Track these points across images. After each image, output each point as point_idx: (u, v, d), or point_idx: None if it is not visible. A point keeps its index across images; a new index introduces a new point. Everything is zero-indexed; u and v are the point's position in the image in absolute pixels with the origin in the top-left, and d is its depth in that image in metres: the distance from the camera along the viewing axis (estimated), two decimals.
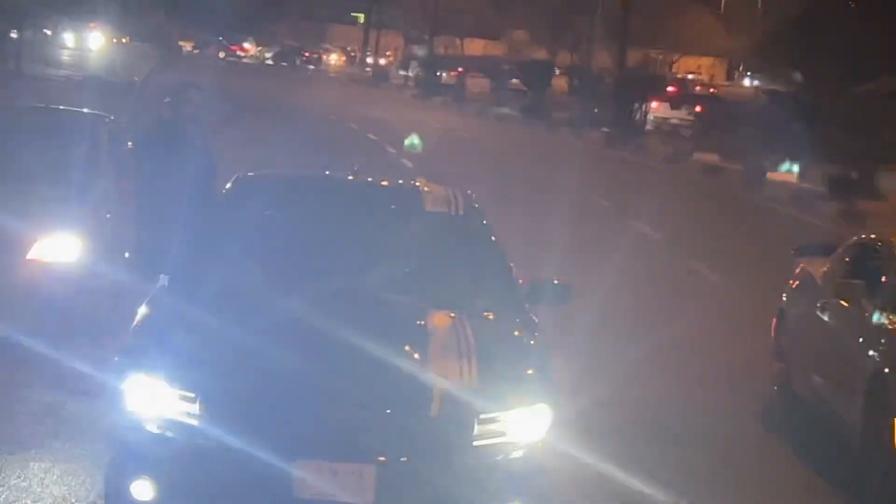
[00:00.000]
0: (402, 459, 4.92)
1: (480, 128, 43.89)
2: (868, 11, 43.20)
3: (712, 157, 34.55)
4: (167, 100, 8.82)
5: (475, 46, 78.57)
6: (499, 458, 5.04)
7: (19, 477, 6.00)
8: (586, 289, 13.00)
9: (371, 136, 32.95)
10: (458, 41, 73.11)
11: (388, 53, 79.89)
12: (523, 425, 5.12)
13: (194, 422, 4.92)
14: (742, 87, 70.68)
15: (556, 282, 6.54)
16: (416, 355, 5.29)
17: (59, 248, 8.17)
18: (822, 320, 8.12)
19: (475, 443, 5.01)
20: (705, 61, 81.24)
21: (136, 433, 5.00)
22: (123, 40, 68.43)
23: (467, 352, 5.37)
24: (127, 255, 7.08)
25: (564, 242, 15.99)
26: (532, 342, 5.86)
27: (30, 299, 8.00)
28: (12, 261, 7.94)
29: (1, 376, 7.76)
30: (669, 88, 51.03)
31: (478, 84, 56.42)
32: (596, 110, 45.44)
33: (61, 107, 13.50)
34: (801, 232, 22.56)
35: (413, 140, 30.43)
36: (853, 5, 44.71)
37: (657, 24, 72.23)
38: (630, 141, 39.26)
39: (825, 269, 8.67)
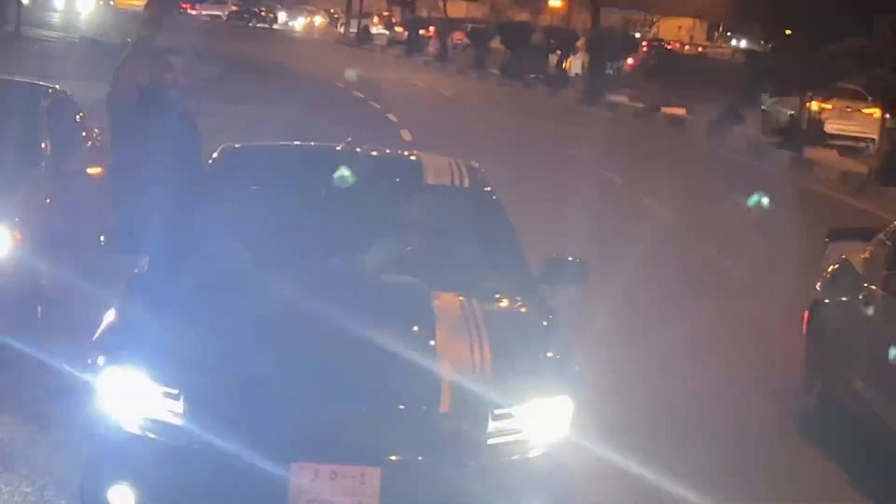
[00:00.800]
0: (407, 460, 4.49)
1: (461, 85, 44.37)
2: None
3: (680, 111, 35.60)
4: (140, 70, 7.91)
5: (457, 8, 78.44)
6: (515, 457, 4.59)
7: None
8: (556, 217, 15.34)
9: (357, 93, 33.57)
10: (440, 3, 74.23)
11: (374, 18, 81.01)
12: (543, 420, 4.65)
13: (178, 421, 4.47)
14: (722, 47, 71.35)
15: (570, 259, 5.93)
16: (422, 344, 4.85)
17: None
18: (867, 316, 7.09)
19: (489, 441, 4.57)
20: (686, 22, 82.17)
21: (113, 434, 4.56)
22: (112, 2, 69.08)
23: (479, 339, 4.92)
24: (102, 238, 6.54)
25: (535, 187, 17.98)
26: (549, 326, 5.42)
27: None
28: None
29: None
30: (644, 48, 51.77)
31: (460, 37, 57.56)
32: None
33: None
34: (746, 175, 25.35)
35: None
36: None
37: None
38: (603, 97, 40.23)
39: (866, 255, 7.77)
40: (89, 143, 8.80)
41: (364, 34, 68.86)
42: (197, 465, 4.42)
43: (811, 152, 27.67)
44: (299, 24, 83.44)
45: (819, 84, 29.78)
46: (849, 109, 30.93)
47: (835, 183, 25.61)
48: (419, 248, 5.78)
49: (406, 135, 25.78)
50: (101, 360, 4.64)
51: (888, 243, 7.44)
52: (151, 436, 4.45)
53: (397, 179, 6.45)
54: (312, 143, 7.38)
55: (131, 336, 4.79)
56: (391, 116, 28.33)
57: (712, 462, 6.79)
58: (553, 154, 24.14)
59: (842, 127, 30.98)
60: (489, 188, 6.36)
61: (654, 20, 78.82)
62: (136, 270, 5.62)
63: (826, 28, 43.09)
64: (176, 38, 22.94)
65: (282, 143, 7.71)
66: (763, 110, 33.10)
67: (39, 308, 7.53)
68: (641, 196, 20.02)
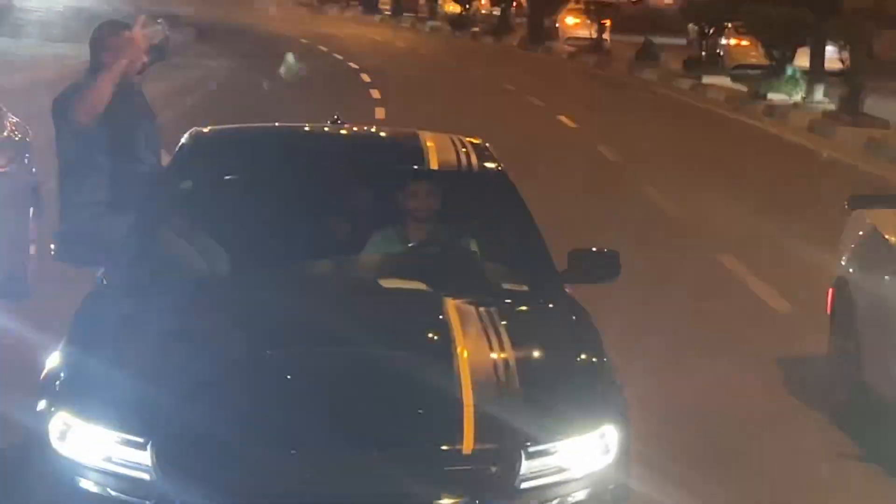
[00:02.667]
0: None
1: (414, 38, 46.73)
2: None
3: (603, 56, 38.99)
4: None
5: None
6: (555, 501, 3.77)
7: None
8: (493, 132, 16.73)
9: (321, 47, 36.21)
10: None
11: None
12: (586, 456, 3.80)
13: (145, 476, 3.63)
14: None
15: (594, 249, 4.98)
16: (437, 371, 3.95)
17: None
18: None
19: (523, 485, 3.72)
20: None
21: (67, 491, 3.73)
22: None
23: (504, 360, 4.11)
24: (52, 247, 5.37)
25: (476, 114, 20.43)
26: (586, 338, 4.46)
27: None
28: None
29: None
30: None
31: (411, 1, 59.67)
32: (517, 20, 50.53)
33: None
34: (647, 97, 29.59)
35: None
36: None
37: None
38: (540, 44, 43.40)
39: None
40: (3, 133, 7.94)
41: None
42: None
43: (709, 79, 31.16)
44: None
45: (718, 20, 33.38)
46: (745, 43, 33.68)
47: (721, 102, 28.66)
48: (427, 246, 4.97)
49: (366, 78, 28.35)
50: (48, 401, 3.84)
51: None
52: (113, 494, 3.68)
53: (394, 165, 5.48)
54: (296, 125, 6.59)
55: (84, 371, 3.96)
56: (352, 64, 31.02)
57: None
58: (490, 89, 27.61)
59: (738, 58, 33.79)
60: (501, 168, 5.36)
61: None
62: (90, 293, 4.72)
63: None
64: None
65: (260, 125, 6.71)
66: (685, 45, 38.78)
67: None
68: (556, 113, 23.49)
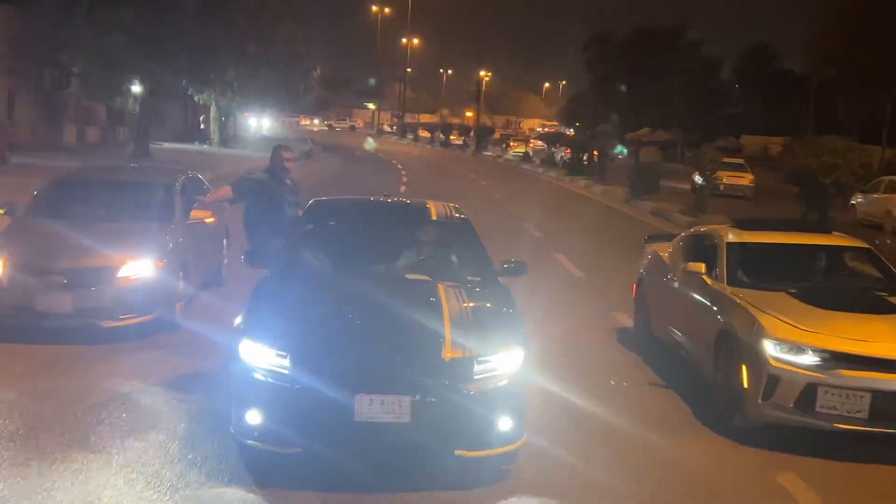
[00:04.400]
0: (427, 390, 4.16)
1: (424, 150, 49.79)
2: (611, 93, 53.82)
3: (527, 161, 38.94)
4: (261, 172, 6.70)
5: (425, 117, 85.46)
6: (490, 386, 4.27)
7: (135, 461, 4.49)
8: (455, 190, 19.75)
9: (377, 154, 39.25)
10: (417, 116, 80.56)
11: (385, 124, 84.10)
12: (507, 363, 4.34)
13: (286, 372, 4.21)
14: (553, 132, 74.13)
15: (513, 262, 5.45)
16: (434, 319, 4.47)
17: (141, 267, 6.61)
18: (674, 288, 6.57)
19: (476, 377, 4.26)
20: (535, 121, 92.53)
21: (248, 379, 4.28)
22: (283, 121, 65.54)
23: (470, 314, 4.61)
24: (243, 258, 5.91)
25: (451, 186, 22.87)
26: (509, 305, 4.85)
27: (124, 307, 6.54)
28: (110, 277, 6.47)
29: (142, 349, 6.31)
30: (496, 135, 57.21)
31: (425, 133, 62.69)
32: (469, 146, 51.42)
33: (147, 165, 10.89)
34: (532, 175, 32.46)
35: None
36: (623, 88, 52.47)
37: (511, 102, 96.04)
38: (483, 152, 47.15)
39: (669, 251, 7.14)
40: (207, 198, 7.60)
41: (380, 130, 74.38)
42: (297, 398, 4.14)
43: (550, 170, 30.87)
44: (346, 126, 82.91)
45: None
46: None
47: (541, 173, 30.44)
48: (429, 258, 5.39)
49: (398, 165, 32.19)
50: (240, 334, 4.39)
51: (681, 244, 6.98)
52: (271, 381, 4.22)
53: (415, 216, 5.84)
54: (366, 197, 6.84)
55: (257, 319, 4.49)
56: (394, 162, 33.57)
57: (577, 361, 6.70)
58: (459, 175, 29.01)
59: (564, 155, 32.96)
60: (468, 220, 5.67)
61: (519, 120, 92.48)
62: (259, 280, 5.16)
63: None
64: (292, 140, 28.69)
65: (348, 196, 7.07)
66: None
67: (178, 305, 6.95)
68: (481, 182, 25.76)
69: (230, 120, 37.30)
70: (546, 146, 40.31)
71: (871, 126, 33.80)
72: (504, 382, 4.28)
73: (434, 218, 5.66)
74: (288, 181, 6.55)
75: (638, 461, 4.77)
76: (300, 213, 6.12)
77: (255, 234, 6.40)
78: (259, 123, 56.97)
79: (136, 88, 26.36)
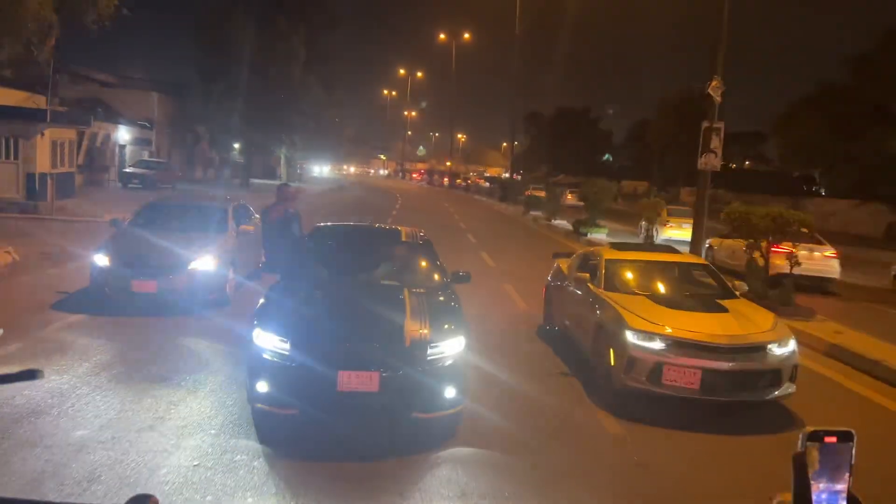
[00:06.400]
0: (391, 367, 3.79)
1: (418, 187, 46.95)
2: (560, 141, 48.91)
3: (482, 194, 37.06)
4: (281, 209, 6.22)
5: (421, 164, 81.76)
6: (440, 364, 3.91)
7: (196, 387, 4.46)
8: (436, 215, 18.22)
9: (390, 191, 37.03)
10: (415, 164, 77.84)
11: (409, 170, 78.50)
12: (453, 347, 3.97)
13: (286, 353, 3.84)
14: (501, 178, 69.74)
15: (461, 273, 5.01)
16: (399, 314, 4.06)
17: (205, 262, 6.48)
18: (569, 291, 6.17)
19: (429, 357, 3.89)
20: (497, 169, 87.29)
21: (258, 358, 3.88)
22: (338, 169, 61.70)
23: (426, 311, 4.17)
24: (259, 265, 5.63)
25: (429, 210, 21.61)
26: (455, 304, 4.46)
27: (192, 290, 6.43)
28: (183, 268, 6.36)
29: (188, 332, 5.79)
30: (458, 180, 50.64)
31: (419, 175, 59.93)
32: (449, 186, 47.45)
33: (210, 194, 10.97)
34: (476, 200, 31.71)
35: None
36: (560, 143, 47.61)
37: (480, 154, 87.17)
38: (455, 190, 43.72)
39: (567, 263, 6.81)
40: (251, 218, 7.82)
41: (397, 172, 71.89)
42: (295, 373, 3.72)
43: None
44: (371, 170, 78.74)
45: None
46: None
47: (482, 199, 29.20)
48: (399, 269, 4.90)
49: (398, 195, 31.15)
50: (254, 324, 3.95)
51: (577, 260, 6.61)
52: (275, 360, 3.80)
53: (390, 238, 5.37)
54: (355, 223, 6.22)
55: (268, 313, 4.04)
56: (397, 195, 31.57)
57: (503, 350, 5.93)
58: (435, 208, 25.39)
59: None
60: (429, 241, 5.28)
61: (485, 168, 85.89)
62: (273, 282, 4.85)
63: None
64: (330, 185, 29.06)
65: (341, 223, 6.24)
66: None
67: (228, 286, 6.71)
68: (453, 212, 23.08)
69: (293, 166, 37.53)
70: (488, 184, 42.61)
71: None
72: (450, 361, 3.94)
73: (404, 239, 5.32)
74: (291, 209, 6.18)
75: (541, 418, 4.48)
76: (305, 232, 5.74)
77: (269, 248, 6.13)
78: (321, 169, 56.33)
79: (237, 145, 29.72)
